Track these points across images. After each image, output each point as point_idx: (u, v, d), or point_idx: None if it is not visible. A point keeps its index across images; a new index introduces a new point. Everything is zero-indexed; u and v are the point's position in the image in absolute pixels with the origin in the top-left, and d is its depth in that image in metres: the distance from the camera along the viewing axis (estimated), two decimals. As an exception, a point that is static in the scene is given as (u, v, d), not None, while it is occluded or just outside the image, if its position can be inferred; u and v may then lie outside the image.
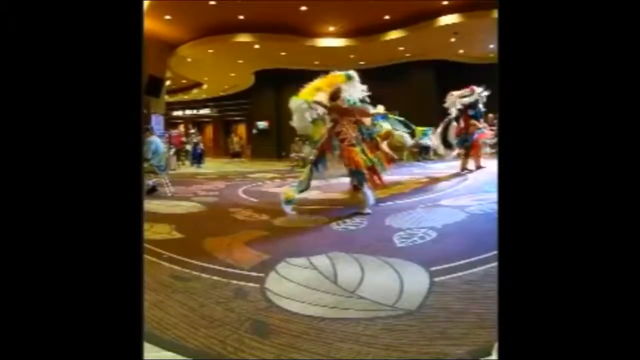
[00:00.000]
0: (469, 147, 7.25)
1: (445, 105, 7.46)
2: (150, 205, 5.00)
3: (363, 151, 4.05)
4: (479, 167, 7.37)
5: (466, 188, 5.47)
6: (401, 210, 4.15)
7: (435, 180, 6.57)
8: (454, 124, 7.33)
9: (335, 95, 4.12)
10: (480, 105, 7.35)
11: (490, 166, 7.12)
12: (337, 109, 4.13)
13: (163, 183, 6.35)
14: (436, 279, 2.18)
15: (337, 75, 4.28)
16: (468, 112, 7.19)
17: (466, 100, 7.19)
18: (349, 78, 4.24)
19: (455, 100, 7.29)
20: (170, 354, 1.59)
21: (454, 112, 7.29)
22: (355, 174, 4.05)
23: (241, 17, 10.57)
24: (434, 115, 13.24)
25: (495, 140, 7.26)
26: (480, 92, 7.19)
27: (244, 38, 11.63)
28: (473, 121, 7.19)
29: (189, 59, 13.33)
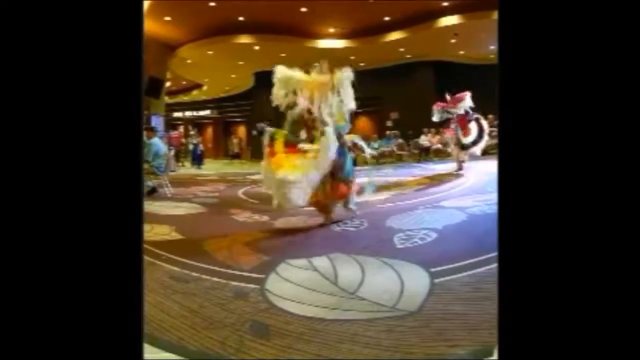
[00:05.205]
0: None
1: (434, 118, 7.60)
2: (151, 206, 4.99)
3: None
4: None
5: (467, 189, 5.46)
6: (401, 211, 4.15)
7: (435, 181, 6.56)
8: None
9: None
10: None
11: (491, 167, 7.11)
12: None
13: (163, 184, 6.34)
14: (437, 280, 2.18)
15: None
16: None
17: (453, 111, 7.28)
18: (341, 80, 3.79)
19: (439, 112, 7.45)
20: (170, 355, 1.59)
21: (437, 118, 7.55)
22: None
23: (241, 18, 10.57)
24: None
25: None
26: (466, 104, 7.21)
27: (244, 39, 11.62)
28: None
29: (189, 60, 13.32)
